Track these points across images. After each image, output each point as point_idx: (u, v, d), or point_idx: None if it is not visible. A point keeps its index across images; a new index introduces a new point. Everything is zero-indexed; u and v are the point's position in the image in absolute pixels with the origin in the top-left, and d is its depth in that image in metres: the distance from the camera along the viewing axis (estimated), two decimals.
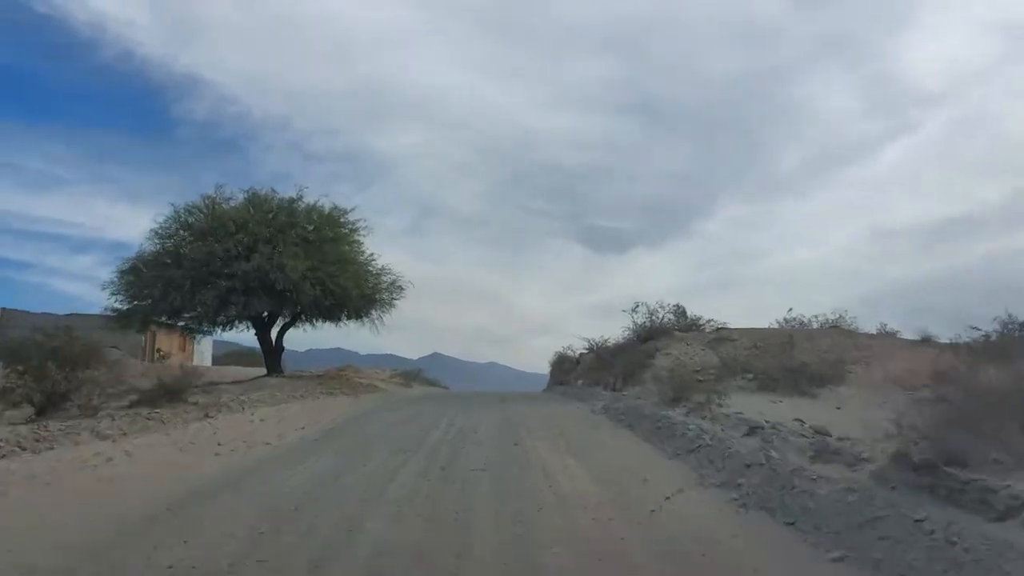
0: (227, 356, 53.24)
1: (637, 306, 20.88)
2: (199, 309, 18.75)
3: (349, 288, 19.48)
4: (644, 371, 17.38)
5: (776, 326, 21.22)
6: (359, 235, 21.20)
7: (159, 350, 36.85)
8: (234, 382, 18.77)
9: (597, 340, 30.63)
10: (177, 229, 19.51)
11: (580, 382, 26.05)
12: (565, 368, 36.10)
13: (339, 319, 21.72)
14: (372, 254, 21.81)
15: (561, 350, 36.52)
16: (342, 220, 20.73)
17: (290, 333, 22.40)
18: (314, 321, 22.26)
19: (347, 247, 20.43)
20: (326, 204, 20.77)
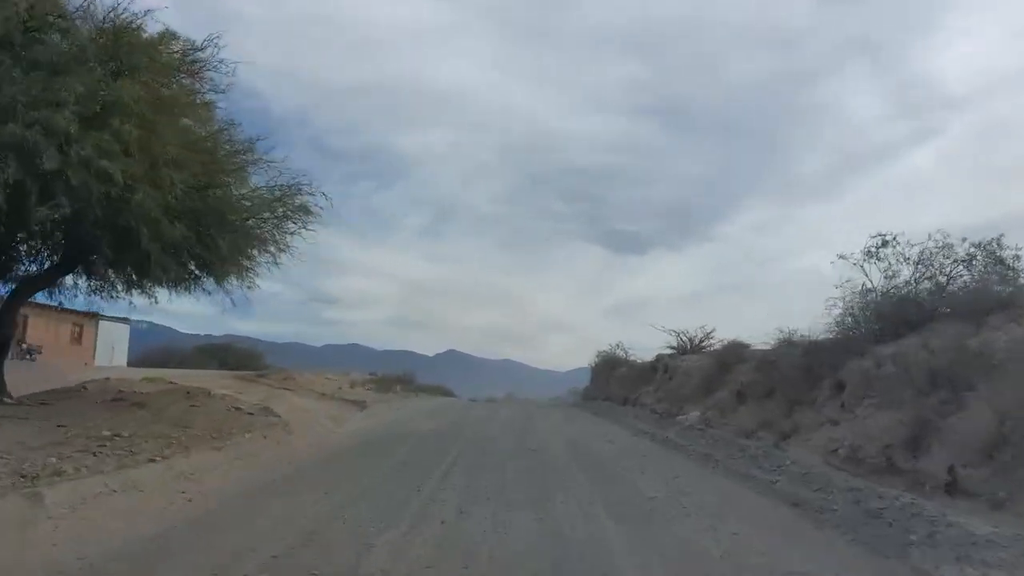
0: (201, 352, 40.49)
1: (884, 243, 8.45)
2: None
3: (139, 184, 7.26)
4: None
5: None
6: (210, 87, 9.03)
7: (22, 343, 24.34)
8: None
9: (693, 334, 18.49)
10: None
11: (695, 415, 12.93)
12: (620, 375, 23.60)
13: (146, 269, 9.12)
14: (254, 139, 9.82)
15: (608, 349, 24.70)
16: (152, 43, 8.41)
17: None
18: (113, 275, 10.04)
19: (158, 99, 8.05)
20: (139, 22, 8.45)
